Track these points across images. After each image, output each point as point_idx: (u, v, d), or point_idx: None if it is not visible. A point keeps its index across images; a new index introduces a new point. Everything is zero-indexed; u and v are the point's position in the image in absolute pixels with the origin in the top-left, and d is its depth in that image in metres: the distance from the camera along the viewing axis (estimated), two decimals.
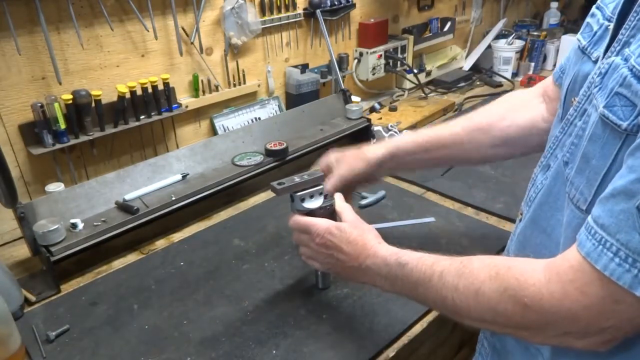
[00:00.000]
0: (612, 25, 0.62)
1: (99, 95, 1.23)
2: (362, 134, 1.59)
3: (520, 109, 0.92)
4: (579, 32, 0.72)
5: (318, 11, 1.63)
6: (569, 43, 2.19)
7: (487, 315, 0.61)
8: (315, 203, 0.88)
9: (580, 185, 0.59)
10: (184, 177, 1.27)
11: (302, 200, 0.87)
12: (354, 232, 0.82)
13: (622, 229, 0.49)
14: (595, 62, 0.64)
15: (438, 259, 0.69)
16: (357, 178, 0.98)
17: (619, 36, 0.58)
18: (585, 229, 0.53)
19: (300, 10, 1.65)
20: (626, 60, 0.54)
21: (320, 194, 0.89)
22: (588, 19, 0.71)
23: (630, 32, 0.57)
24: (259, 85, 1.63)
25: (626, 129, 0.52)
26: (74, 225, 1.08)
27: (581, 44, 0.69)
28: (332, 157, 1.02)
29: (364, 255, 0.79)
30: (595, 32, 0.67)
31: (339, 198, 0.91)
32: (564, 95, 0.72)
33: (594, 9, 0.71)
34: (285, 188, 0.86)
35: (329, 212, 0.88)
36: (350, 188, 1.01)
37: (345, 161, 0.99)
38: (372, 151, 0.98)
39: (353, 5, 1.77)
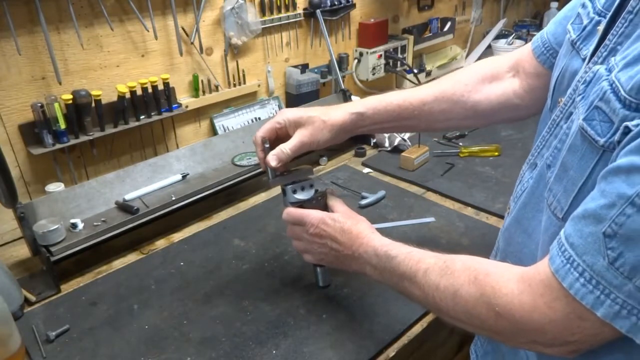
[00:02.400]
0: (602, 24, 0.61)
1: (99, 95, 1.23)
2: (362, 134, 1.59)
3: (492, 80, 0.90)
4: (570, 22, 0.70)
5: (318, 11, 1.63)
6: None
7: (462, 316, 0.63)
8: (306, 194, 0.90)
9: (557, 193, 0.60)
10: (184, 177, 1.27)
11: (294, 192, 0.90)
12: (348, 221, 0.83)
13: (588, 251, 0.50)
14: (584, 59, 0.63)
15: (425, 255, 0.70)
16: (320, 147, 0.89)
17: (606, 41, 0.57)
18: (557, 244, 0.54)
19: (300, 10, 1.65)
20: (609, 71, 0.53)
21: (311, 186, 0.91)
22: (579, 9, 0.69)
23: (618, 38, 0.56)
24: (259, 85, 1.63)
25: (603, 145, 0.52)
26: (74, 225, 1.08)
27: (571, 36, 0.68)
28: (288, 117, 0.88)
29: (357, 244, 0.80)
30: (585, 27, 0.66)
31: (329, 191, 0.92)
32: (553, 87, 0.71)
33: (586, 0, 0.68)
34: (277, 180, 0.89)
35: (322, 205, 0.90)
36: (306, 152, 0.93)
37: (308, 128, 0.87)
38: (338, 117, 0.88)
39: (353, 5, 1.77)
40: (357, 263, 0.81)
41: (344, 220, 0.83)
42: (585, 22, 0.66)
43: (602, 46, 0.58)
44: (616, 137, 0.50)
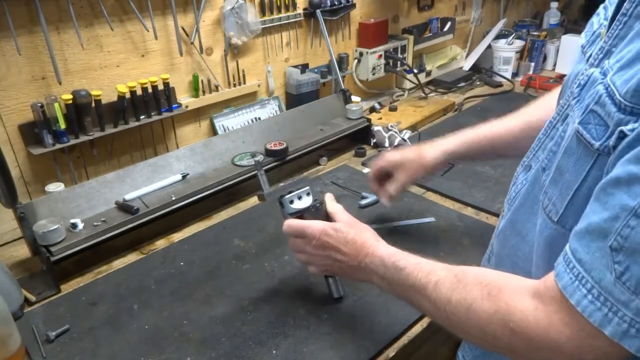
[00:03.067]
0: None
1: (99, 95, 1.23)
2: (362, 134, 1.59)
3: None
4: (585, 30, 0.70)
5: (318, 11, 1.63)
6: (569, 43, 2.19)
7: (476, 332, 0.61)
8: (304, 203, 0.89)
9: (553, 196, 0.59)
10: (184, 177, 1.27)
11: (291, 202, 0.88)
12: (351, 231, 0.82)
13: (596, 267, 0.48)
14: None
15: (435, 267, 0.68)
16: (414, 183, 1.04)
17: (602, 44, 0.57)
18: (564, 260, 0.52)
19: (300, 10, 1.65)
20: (604, 74, 0.52)
21: (308, 194, 0.90)
22: (593, 18, 0.69)
23: (613, 41, 0.55)
24: (259, 85, 1.63)
25: (598, 149, 0.51)
26: (74, 225, 1.08)
27: (582, 42, 0.68)
28: (390, 160, 1.06)
29: (363, 254, 0.79)
30: (594, 32, 0.66)
31: (329, 199, 0.91)
32: (560, 91, 0.71)
33: (600, 8, 0.68)
34: (272, 193, 0.88)
35: (322, 214, 0.89)
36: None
37: (406, 168, 1.03)
38: (432, 159, 1.02)
39: (353, 5, 1.77)
40: (363, 273, 0.80)
41: (347, 230, 0.82)
42: (596, 27, 0.66)
43: (598, 49, 0.58)
44: (611, 142, 0.50)
